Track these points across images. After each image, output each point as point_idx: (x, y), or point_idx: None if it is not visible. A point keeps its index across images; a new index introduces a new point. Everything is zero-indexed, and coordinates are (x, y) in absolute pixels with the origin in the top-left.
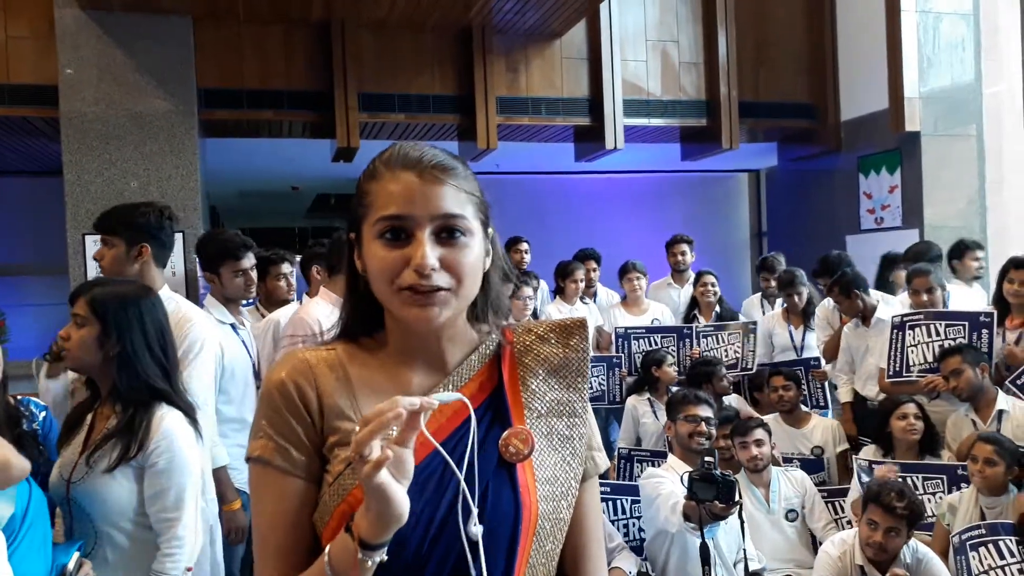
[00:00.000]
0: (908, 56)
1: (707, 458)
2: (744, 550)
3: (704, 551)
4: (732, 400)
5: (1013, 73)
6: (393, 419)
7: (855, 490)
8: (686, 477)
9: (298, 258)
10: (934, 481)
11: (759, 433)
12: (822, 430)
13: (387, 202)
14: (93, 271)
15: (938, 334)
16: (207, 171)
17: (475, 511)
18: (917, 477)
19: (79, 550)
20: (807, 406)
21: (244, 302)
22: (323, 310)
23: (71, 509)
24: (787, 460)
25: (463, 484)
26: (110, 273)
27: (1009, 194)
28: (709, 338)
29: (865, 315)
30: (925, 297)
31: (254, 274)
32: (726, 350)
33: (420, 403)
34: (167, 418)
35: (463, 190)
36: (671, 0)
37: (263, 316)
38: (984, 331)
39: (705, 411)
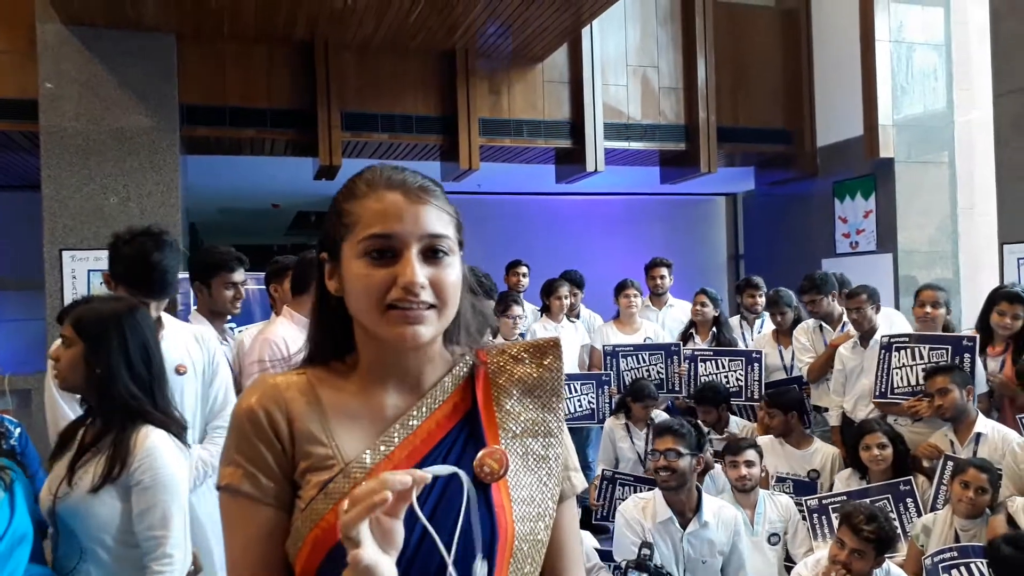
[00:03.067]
0: (882, 84)
1: (644, 550)
2: None
3: None
4: (734, 421)
5: (984, 102)
6: (381, 503)
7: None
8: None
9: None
10: (905, 503)
11: (750, 454)
12: (822, 455)
13: (373, 221)
14: (70, 286)
15: (922, 357)
16: (187, 188)
17: (448, 556)
18: (888, 499)
19: None
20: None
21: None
22: (288, 331)
23: (57, 524)
24: (781, 480)
25: (468, 497)
26: None
27: (980, 220)
28: (709, 362)
29: (865, 335)
30: (929, 309)
31: (243, 289)
32: (727, 376)
33: (412, 479)
34: (151, 436)
35: (445, 211)
36: (652, 26)
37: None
38: (967, 355)
39: (666, 443)
